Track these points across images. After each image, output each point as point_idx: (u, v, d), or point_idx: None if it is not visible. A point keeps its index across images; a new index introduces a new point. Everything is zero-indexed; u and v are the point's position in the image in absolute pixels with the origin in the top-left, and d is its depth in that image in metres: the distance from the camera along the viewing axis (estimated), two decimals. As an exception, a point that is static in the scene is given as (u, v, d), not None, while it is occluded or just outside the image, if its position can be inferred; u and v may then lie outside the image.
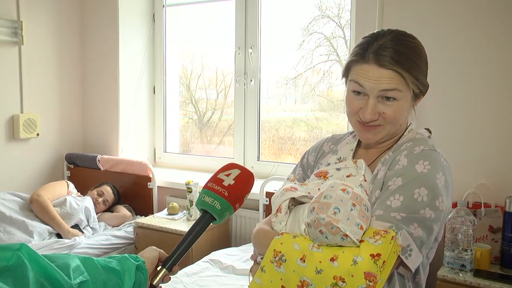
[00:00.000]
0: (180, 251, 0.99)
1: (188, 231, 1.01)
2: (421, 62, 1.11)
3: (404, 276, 1.07)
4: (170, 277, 1.01)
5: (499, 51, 2.21)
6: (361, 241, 0.98)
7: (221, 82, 3.56)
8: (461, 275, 1.95)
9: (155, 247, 1.04)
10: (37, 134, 3.29)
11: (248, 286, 1.08)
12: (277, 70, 3.30)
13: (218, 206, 0.98)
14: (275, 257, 1.03)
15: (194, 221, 1.03)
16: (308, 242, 1.02)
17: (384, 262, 0.94)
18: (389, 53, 1.06)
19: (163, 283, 1.00)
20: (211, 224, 1.02)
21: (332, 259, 0.96)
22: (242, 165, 1.55)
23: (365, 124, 1.12)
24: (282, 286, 1.01)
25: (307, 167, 1.32)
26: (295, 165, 1.38)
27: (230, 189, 1.00)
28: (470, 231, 1.94)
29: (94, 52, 3.54)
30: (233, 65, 3.21)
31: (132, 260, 0.95)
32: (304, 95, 3.30)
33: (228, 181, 1.01)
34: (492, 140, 2.25)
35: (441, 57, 2.29)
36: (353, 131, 1.27)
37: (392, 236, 0.97)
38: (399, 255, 0.98)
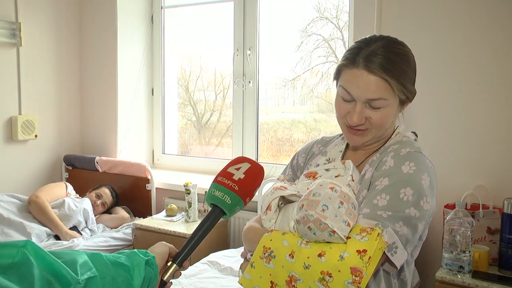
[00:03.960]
0: (190, 246, 0.98)
1: (198, 226, 1.00)
2: (410, 69, 1.14)
3: (389, 273, 1.10)
4: (181, 273, 1.00)
5: (496, 53, 2.22)
6: (348, 238, 1.00)
7: (219, 83, 3.56)
8: (459, 276, 1.95)
9: (165, 242, 1.02)
10: (35, 136, 3.29)
11: (238, 282, 1.11)
12: (276, 72, 3.30)
13: (229, 201, 0.97)
14: (264, 253, 1.06)
15: (199, 219, 1.02)
16: (296, 239, 1.04)
17: (370, 258, 0.96)
18: (379, 60, 1.09)
19: (173, 278, 0.99)
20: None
21: (319, 255, 0.99)
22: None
23: (353, 128, 1.16)
24: (271, 281, 1.04)
25: (297, 168, 1.36)
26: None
27: (240, 183, 0.98)
28: (468, 232, 1.95)
29: (92, 53, 3.54)
30: (232, 67, 3.21)
31: (142, 255, 0.93)
32: (303, 96, 3.31)
33: (238, 175, 0.99)
34: (490, 141, 2.26)
35: (438, 59, 2.29)
36: (342, 133, 1.31)
37: (378, 233, 0.99)
38: (384, 252, 1.00)
